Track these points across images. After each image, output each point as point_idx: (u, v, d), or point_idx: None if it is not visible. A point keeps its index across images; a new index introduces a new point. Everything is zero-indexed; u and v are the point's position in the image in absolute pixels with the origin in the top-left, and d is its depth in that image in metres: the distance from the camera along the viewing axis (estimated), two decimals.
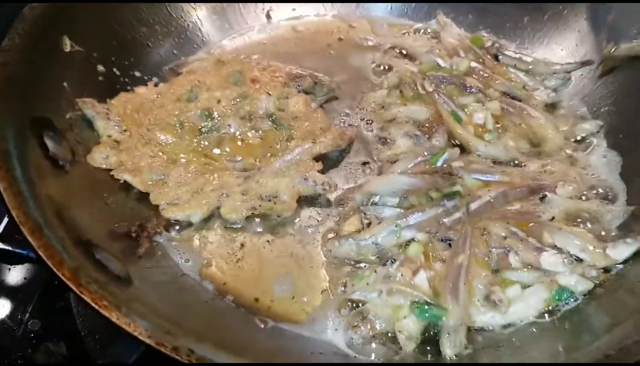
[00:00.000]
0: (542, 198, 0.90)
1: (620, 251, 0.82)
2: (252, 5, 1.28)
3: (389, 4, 1.32)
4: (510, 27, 1.23)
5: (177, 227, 0.90)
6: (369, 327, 0.77)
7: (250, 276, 0.86)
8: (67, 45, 0.95)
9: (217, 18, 1.24)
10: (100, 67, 1.03)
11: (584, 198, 0.93)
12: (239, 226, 0.90)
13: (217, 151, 0.97)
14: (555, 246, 0.83)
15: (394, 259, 0.82)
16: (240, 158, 0.96)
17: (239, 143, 0.98)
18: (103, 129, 0.94)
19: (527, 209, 0.89)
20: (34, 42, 0.88)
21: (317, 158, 0.97)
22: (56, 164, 0.83)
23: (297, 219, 0.92)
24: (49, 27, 0.92)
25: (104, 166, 0.90)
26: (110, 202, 0.88)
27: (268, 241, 0.90)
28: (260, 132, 0.99)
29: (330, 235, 0.90)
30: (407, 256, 0.83)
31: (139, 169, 0.91)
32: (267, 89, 1.03)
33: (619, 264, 0.83)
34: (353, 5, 1.33)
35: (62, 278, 0.61)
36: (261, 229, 0.91)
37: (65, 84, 0.93)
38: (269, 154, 0.97)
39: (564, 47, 1.17)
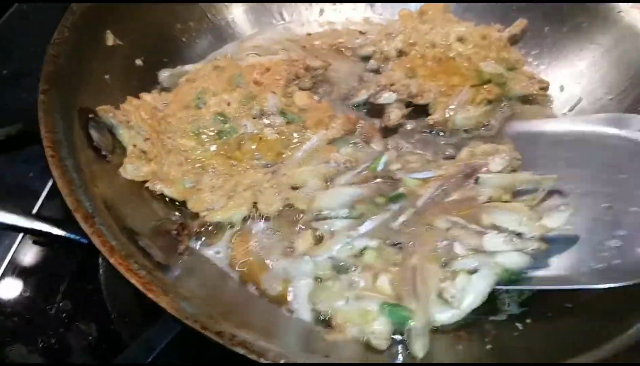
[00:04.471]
0: (477, 180, 0.92)
1: (556, 219, 0.85)
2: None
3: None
4: (530, 36, 1.26)
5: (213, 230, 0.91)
6: (340, 333, 0.79)
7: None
8: (110, 39, 1.00)
9: (247, 17, 1.28)
10: (139, 62, 1.07)
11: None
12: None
13: (239, 152, 0.99)
14: (495, 225, 0.85)
15: (355, 267, 0.84)
16: (261, 155, 0.99)
17: (259, 141, 1.00)
18: (128, 139, 0.95)
19: (466, 196, 0.91)
20: (81, 36, 0.92)
21: (332, 142, 1.02)
22: (99, 154, 0.87)
23: None
24: (95, 22, 0.96)
25: (137, 179, 0.91)
26: (146, 195, 0.91)
27: None
28: (275, 127, 1.01)
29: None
30: (364, 263, 0.85)
31: (170, 179, 0.93)
32: (270, 89, 1.06)
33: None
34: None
35: (114, 263, 0.64)
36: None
37: (106, 76, 0.97)
38: (289, 146, 1.01)
39: (583, 59, 1.19)
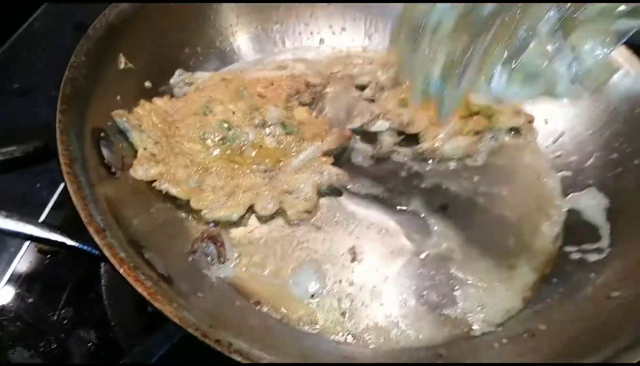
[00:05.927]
0: None
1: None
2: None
3: None
4: None
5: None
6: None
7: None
8: (122, 62, 1.05)
9: (251, 45, 1.35)
10: (147, 83, 1.13)
11: None
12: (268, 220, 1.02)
13: (240, 157, 1.07)
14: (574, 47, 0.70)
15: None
16: (260, 161, 1.07)
17: (259, 148, 1.09)
18: (139, 142, 1.01)
19: None
20: (96, 59, 0.97)
21: (326, 154, 1.10)
22: (110, 171, 0.92)
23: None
24: (109, 46, 1.02)
25: (146, 179, 0.98)
26: (152, 209, 0.96)
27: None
28: (275, 137, 1.10)
29: None
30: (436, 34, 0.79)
31: (176, 180, 1.00)
32: (273, 102, 1.15)
33: None
34: None
35: (123, 274, 0.69)
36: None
37: (118, 97, 1.03)
38: (286, 155, 1.09)
39: None
